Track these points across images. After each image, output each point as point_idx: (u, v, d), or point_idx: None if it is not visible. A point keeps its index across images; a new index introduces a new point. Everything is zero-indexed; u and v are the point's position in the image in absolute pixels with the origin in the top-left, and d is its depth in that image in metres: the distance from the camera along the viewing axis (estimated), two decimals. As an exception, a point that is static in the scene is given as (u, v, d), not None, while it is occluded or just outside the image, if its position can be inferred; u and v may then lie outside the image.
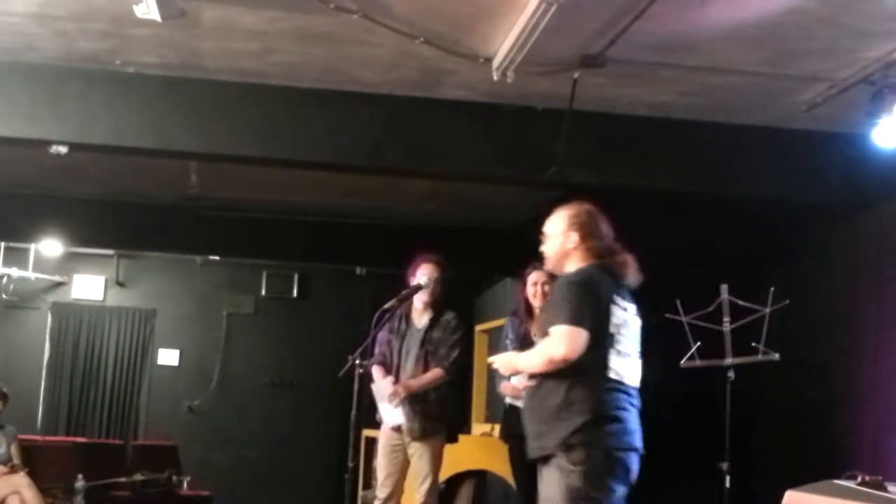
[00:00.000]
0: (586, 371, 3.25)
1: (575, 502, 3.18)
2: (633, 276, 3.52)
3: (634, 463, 3.36)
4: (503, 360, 3.63)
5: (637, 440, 3.36)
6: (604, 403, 3.26)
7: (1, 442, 7.22)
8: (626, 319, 3.43)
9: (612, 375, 3.31)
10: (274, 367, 9.62)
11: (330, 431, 8.78)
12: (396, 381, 5.16)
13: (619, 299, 3.41)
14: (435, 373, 5.10)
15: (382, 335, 5.15)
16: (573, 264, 3.47)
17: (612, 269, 3.46)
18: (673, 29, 4.19)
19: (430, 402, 5.09)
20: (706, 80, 4.82)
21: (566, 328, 3.21)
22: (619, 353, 3.36)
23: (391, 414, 5.11)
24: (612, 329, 3.34)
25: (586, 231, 3.48)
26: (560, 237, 3.51)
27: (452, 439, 5.25)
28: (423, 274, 5.07)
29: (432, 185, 6.92)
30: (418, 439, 5.10)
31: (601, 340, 3.28)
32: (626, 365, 3.39)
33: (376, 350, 5.15)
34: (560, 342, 3.21)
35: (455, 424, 5.42)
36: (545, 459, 3.28)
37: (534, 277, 5.39)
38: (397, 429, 5.15)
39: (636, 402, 3.44)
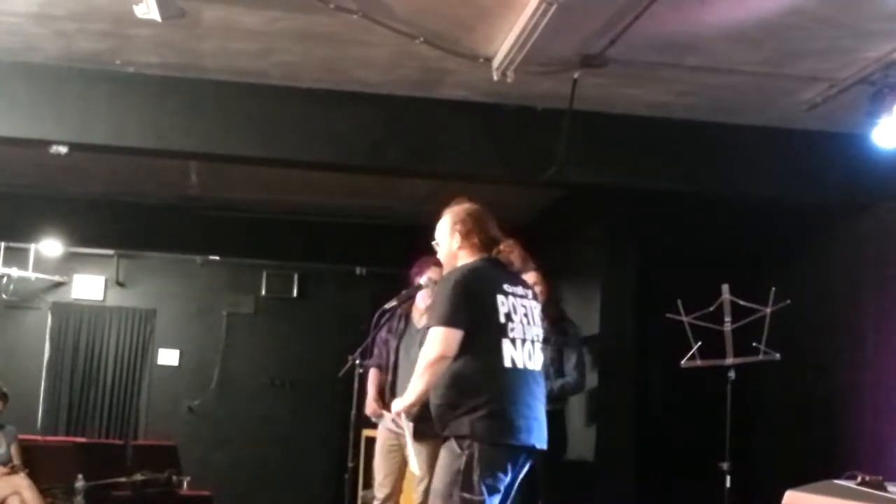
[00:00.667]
0: (479, 363, 3.37)
1: (456, 484, 3.31)
2: (519, 263, 3.65)
3: (523, 458, 3.45)
4: (394, 411, 3.69)
5: (531, 438, 3.42)
6: (497, 396, 3.37)
7: (1, 442, 7.21)
8: (516, 305, 3.50)
9: (507, 364, 3.41)
10: (274, 367, 9.61)
11: (330, 431, 8.77)
12: (394, 378, 5.17)
13: (507, 287, 3.50)
14: None
15: (381, 334, 5.13)
16: (461, 262, 3.58)
17: (498, 259, 3.58)
18: (673, 29, 4.19)
19: (425, 404, 5.08)
20: (706, 80, 4.82)
21: (440, 330, 3.36)
22: (512, 340, 3.44)
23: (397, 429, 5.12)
24: (502, 318, 3.43)
25: (468, 228, 3.60)
26: (446, 239, 3.64)
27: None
28: (430, 277, 5.04)
29: (432, 185, 6.92)
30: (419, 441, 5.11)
31: (490, 332, 3.39)
32: (523, 351, 3.47)
33: (374, 350, 5.13)
34: (434, 344, 3.36)
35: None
36: (445, 440, 3.43)
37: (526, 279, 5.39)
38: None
39: (538, 386, 3.54)
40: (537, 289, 5.50)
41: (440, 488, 3.36)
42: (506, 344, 3.41)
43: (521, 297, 3.54)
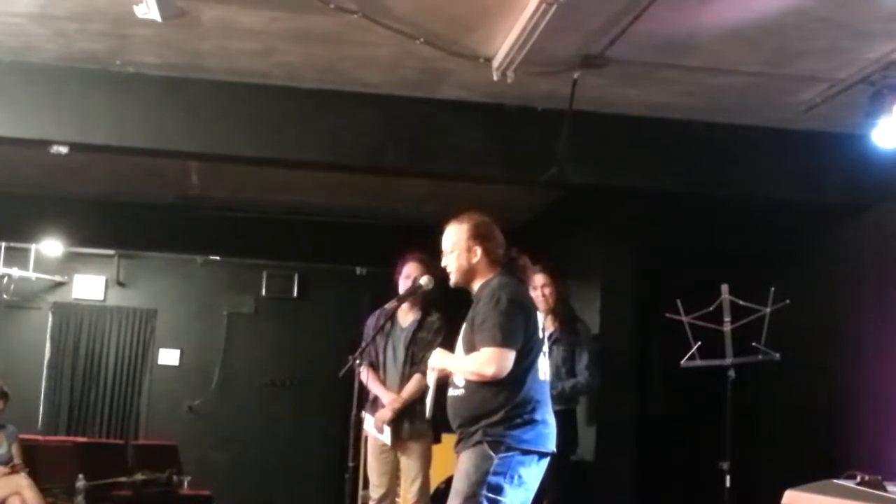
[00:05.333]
0: (523, 379, 3.45)
1: (481, 485, 3.36)
2: (529, 273, 3.75)
3: (545, 463, 3.55)
4: (436, 356, 3.70)
5: (553, 444, 3.54)
6: (535, 407, 3.47)
7: (2, 442, 7.21)
8: (541, 320, 3.64)
9: (541, 377, 3.53)
10: (274, 367, 9.61)
11: (330, 431, 8.77)
12: (382, 375, 5.19)
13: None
14: (416, 380, 5.08)
15: (370, 332, 5.14)
16: (481, 277, 3.61)
17: (518, 274, 3.66)
18: (673, 29, 4.19)
19: (413, 404, 5.10)
20: (706, 80, 4.82)
21: (495, 351, 3.39)
22: (543, 354, 3.59)
23: (380, 436, 5.18)
24: (541, 334, 3.57)
25: (488, 245, 3.62)
26: (464, 252, 3.63)
27: (437, 439, 5.25)
28: (408, 273, 5.09)
29: (432, 185, 6.93)
30: (404, 441, 5.12)
31: (535, 350, 3.51)
32: (545, 363, 3.62)
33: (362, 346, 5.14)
34: (489, 363, 3.39)
35: (439, 425, 5.40)
36: (476, 444, 3.45)
37: (535, 281, 5.42)
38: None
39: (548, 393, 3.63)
40: (546, 290, 5.56)
41: (465, 489, 3.39)
42: (540, 357, 3.55)
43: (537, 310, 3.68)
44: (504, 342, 3.38)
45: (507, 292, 3.48)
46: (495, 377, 3.38)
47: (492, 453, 3.37)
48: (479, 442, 3.41)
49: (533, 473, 3.46)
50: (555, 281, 5.61)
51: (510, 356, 3.38)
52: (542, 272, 5.51)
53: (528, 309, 3.55)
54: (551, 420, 3.54)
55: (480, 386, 3.45)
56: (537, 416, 3.45)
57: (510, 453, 3.38)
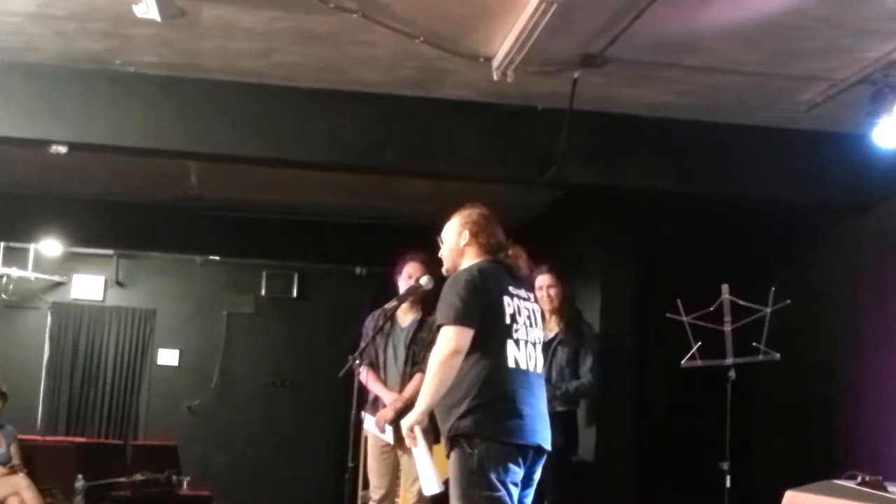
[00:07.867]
0: (485, 365, 3.44)
1: (472, 484, 3.38)
2: (525, 268, 3.74)
3: (532, 455, 3.51)
4: (406, 425, 3.56)
5: (536, 437, 3.49)
6: (501, 396, 3.44)
7: (1, 442, 7.21)
8: (520, 307, 3.59)
9: (510, 364, 3.48)
10: (274, 367, 9.61)
11: (330, 431, 8.78)
12: (384, 377, 5.18)
13: (512, 289, 3.59)
14: (417, 379, 5.07)
15: (369, 332, 5.14)
16: (467, 262, 3.65)
17: (505, 262, 3.65)
18: (673, 29, 4.19)
19: (413, 403, 5.10)
20: (706, 80, 4.82)
21: (452, 328, 3.40)
22: (516, 341, 3.52)
23: (382, 436, 5.17)
24: (508, 319, 3.51)
25: (478, 229, 3.68)
26: (454, 236, 3.70)
27: (437, 440, 5.24)
28: (409, 273, 5.09)
29: (432, 185, 6.92)
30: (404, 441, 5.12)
31: (497, 334, 3.47)
32: (525, 352, 3.56)
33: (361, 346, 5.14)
34: (446, 341, 3.40)
35: (437, 424, 5.39)
36: (452, 442, 3.46)
37: (540, 281, 5.42)
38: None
39: (540, 388, 3.62)
40: (552, 291, 5.56)
41: (459, 491, 3.40)
42: (510, 345, 3.49)
43: (525, 299, 3.64)
44: (457, 320, 3.39)
45: (468, 274, 3.51)
46: (456, 352, 3.37)
47: (469, 449, 3.39)
48: (455, 438, 3.43)
49: (517, 465, 3.43)
50: (560, 281, 5.61)
51: (466, 333, 3.39)
52: (547, 272, 5.52)
53: (489, 292, 3.49)
54: (529, 411, 3.47)
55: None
56: (507, 406, 3.42)
57: (485, 445, 3.37)
